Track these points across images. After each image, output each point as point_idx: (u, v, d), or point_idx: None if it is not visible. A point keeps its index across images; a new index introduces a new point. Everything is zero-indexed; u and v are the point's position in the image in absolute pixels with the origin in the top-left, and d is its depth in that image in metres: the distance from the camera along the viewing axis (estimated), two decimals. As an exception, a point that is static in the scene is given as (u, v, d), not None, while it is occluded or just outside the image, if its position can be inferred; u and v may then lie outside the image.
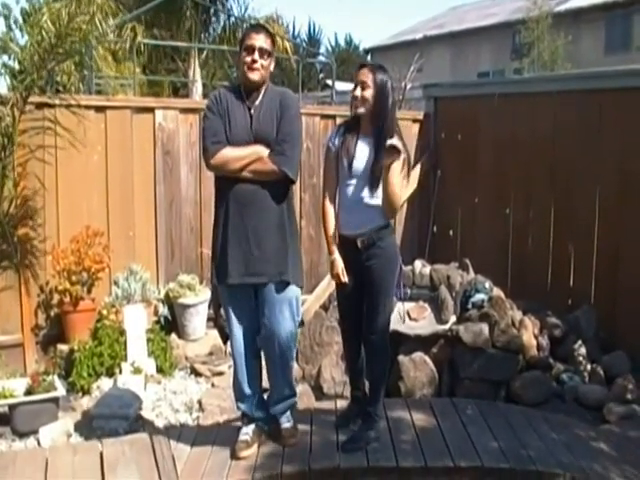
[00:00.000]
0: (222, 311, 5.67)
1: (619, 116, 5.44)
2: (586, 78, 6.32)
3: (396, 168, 3.42)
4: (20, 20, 5.66)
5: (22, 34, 5.54)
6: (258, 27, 3.55)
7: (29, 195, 5.34)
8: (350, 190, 3.49)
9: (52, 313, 5.55)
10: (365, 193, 3.48)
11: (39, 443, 4.22)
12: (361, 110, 3.44)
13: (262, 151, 3.37)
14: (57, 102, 5.33)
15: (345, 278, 3.51)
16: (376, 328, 3.61)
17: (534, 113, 6.23)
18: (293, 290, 3.52)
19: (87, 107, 5.53)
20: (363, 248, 3.49)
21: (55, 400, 4.42)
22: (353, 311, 3.67)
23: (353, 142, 3.49)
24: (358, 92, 3.41)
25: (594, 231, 5.65)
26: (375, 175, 3.43)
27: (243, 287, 3.45)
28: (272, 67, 3.45)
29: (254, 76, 3.37)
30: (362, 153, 3.47)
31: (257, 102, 3.42)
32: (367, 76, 3.40)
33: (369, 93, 3.41)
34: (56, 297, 5.50)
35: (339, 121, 6.18)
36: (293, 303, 3.53)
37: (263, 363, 3.69)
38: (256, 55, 3.34)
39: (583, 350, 5.17)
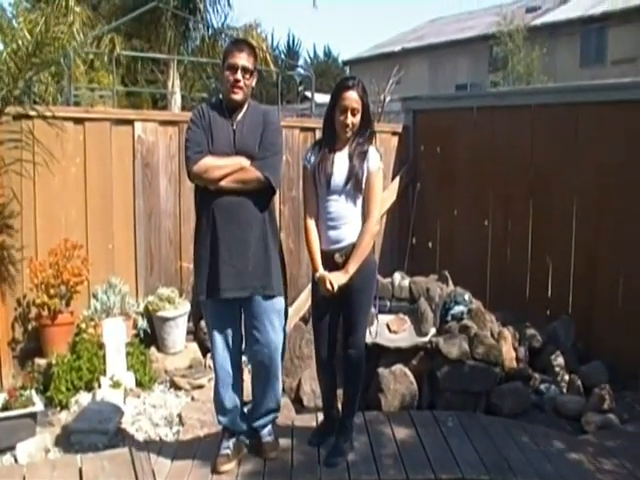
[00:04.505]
0: (203, 324, 5.70)
1: (596, 129, 5.53)
2: (563, 92, 6.42)
3: (377, 185, 3.50)
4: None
5: (-3, 45, 5.49)
6: (240, 44, 3.53)
7: (6, 208, 5.27)
8: (329, 206, 3.51)
9: (30, 327, 5.47)
10: (344, 208, 3.51)
11: (16, 460, 4.13)
12: (350, 134, 3.49)
13: (244, 161, 3.39)
14: (34, 113, 5.28)
15: (336, 286, 3.43)
16: (354, 343, 3.60)
17: (512, 126, 6.30)
18: (280, 301, 3.54)
19: (65, 119, 5.49)
20: (342, 263, 3.49)
21: (33, 415, 4.34)
22: (329, 328, 3.65)
23: (330, 160, 3.51)
24: (350, 120, 3.43)
25: (571, 242, 5.73)
26: (355, 189, 3.47)
27: (229, 300, 3.44)
28: (254, 83, 3.48)
29: (237, 96, 3.41)
30: (340, 169, 3.49)
31: (240, 117, 3.45)
32: (358, 102, 3.43)
33: (358, 117, 3.46)
34: (34, 310, 5.43)
35: (319, 134, 6.22)
36: (282, 314, 3.57)
37: (244, 376, 3.68)
38: (239, 74, 3.37)
39: (561, 360, 5.23)
